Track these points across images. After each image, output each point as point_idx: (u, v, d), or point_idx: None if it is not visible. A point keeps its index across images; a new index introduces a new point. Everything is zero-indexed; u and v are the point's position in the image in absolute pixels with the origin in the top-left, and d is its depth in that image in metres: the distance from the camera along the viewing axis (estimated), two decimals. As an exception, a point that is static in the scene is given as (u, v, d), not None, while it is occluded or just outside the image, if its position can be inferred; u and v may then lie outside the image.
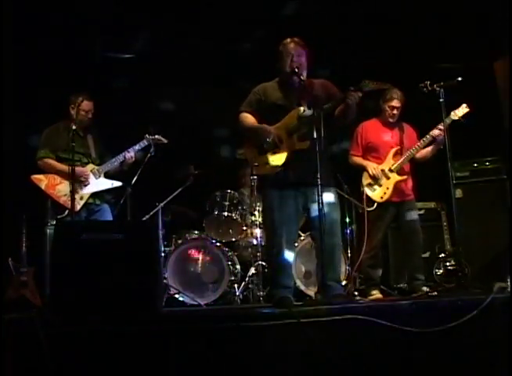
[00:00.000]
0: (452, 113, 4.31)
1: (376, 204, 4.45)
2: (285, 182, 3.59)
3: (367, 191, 4.49)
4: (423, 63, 5.51)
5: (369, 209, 4.43)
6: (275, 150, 3.62)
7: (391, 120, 4.59)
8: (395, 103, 4.54)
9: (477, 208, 5.03)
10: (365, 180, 4.52)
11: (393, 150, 4.53)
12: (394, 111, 4.57)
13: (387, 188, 4.45)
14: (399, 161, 4.48)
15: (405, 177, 4.48)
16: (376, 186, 4.48)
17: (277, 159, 3.62)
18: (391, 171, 4.48)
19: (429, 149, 4.53)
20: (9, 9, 4.66)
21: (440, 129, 4.32)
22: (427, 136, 4.45)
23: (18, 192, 4.92)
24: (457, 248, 4.05)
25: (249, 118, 3.76)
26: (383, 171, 4.48)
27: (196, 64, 5.94)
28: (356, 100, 3.46)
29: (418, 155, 4.56)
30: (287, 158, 3.60)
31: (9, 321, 2.56)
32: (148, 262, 2.88)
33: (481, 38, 5.41)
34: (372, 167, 4.50)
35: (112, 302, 2.73)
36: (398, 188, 4.47)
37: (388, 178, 4.47)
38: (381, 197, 4.46)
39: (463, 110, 4.35)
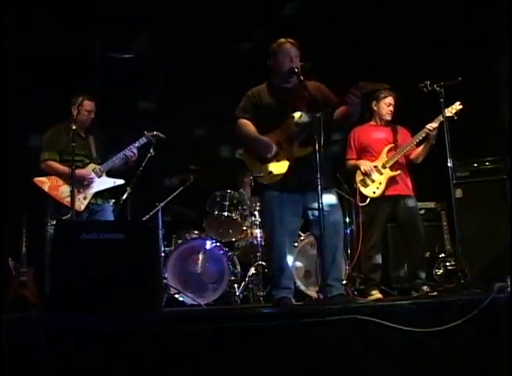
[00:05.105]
0: (446, 110, 4.31)
1: (369, 200, 4.45)
2: (286, 187, 3.56)
3: (360, 187, 4.50)
4: (423, 63, 5.51)
5: (362, 204, 4.45)
6: (278, 159, 3.58)
7: (388, 118, 4.58)
8: (390, 99, 4.56)
9: (477, 208, 5.01)
10: (358, 177, 4.52)
11: (387, 147, 4.52)
12: (391, 108, 4.57)
13: (380, 183, 4.44)
14: (392, 156, 4.48)
15: (398, 172, 4.45)
16: (368, 182, 4.48)
17: (279, 168, 3.57)
18: (384, 167, 4.48)
19: (420, 149, 4.52)
20: (9, 8, 4.67)
21: (435, 123, 4.31)
22: (422, 132, 4.42)
23: (18, 192, 4.92)
24: (457, 248, 4.05)
25: (249, 126, 3.66)
26: (376, 167, 4.48)
27: (196, 64, 5.94)
28: (359, 100, 3.43)
29: (412, 155, 4.55)
30: (289, 166, 3.56)
31: (9, 321, 2.57)
32: (148, 262, 2.88)
33: (481, 38, 5.41)
34: (364, 163, 4.50)
35: (112, 302, 2.74)
36: (392, 183, 4.45)
37: (381, 173, 4.47)
38: (373, 192, 4.45)
39: (456, 107, 4.35)
